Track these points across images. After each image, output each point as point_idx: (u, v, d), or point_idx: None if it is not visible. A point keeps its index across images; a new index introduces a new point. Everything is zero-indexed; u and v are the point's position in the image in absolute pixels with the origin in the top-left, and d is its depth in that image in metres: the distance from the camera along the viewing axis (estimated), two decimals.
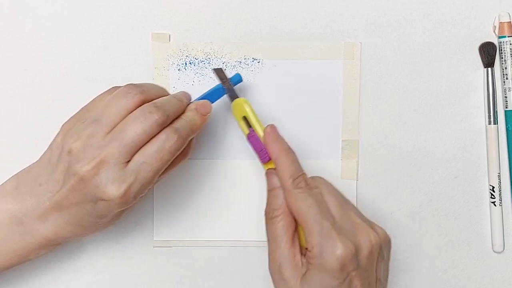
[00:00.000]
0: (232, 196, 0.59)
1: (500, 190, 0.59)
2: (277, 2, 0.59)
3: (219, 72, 0.55)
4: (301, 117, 0.59)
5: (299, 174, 0.50)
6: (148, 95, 0.50)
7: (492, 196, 0.59)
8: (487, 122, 0.59)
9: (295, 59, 0.58)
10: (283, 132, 0.58)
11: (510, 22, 0.58)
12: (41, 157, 0.52)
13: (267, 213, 0.51)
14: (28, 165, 0.53)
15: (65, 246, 0.58)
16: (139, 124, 0.48)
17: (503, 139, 0.59)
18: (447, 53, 0.59)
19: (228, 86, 0.55)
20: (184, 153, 0.52)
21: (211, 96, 0.55)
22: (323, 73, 0.58)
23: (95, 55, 0.59)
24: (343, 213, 0.50)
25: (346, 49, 0.58)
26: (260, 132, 0.53)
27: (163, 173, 0.50)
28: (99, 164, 0.47)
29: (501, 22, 0.58)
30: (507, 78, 0.58)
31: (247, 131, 0.54)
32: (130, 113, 0.49)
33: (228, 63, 0.59)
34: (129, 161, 0.48)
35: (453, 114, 0.59)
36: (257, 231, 0.59)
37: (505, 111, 0.59)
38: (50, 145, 0.52)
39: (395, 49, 0.59)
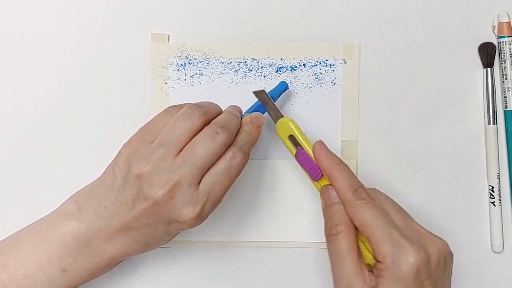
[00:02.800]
0: (231, 196, 0.59)
1: (499, 190, 0.58)
2: (277, 2, 0.59)
3: (260, 94, 0.55)
4: (300, 117, 0.59)
5: (359, 185, 0.51)
6: (209, 115, 0.51)
7: (492, 196, 0.59)
8: (486, 122, 0.59)
9: (294, 59, 0.58)
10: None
11: (510, 22, 0.58)
12: (101, 179, 0.52)
13: (329, 230, 0.51)
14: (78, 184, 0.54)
15: None
16: (208, 145, 0.48)
17: (502, 139, 0.59)
18: (447, 53, 0.59)
19: (271, 107, 0.55)
20: None
21: (259, 110, 0.55)
22: (322, 73, 0.58)
23: (94, 55, 0.59)
24: (406, 223, 0.50)
25: (346, 49, 0.58)
26: (309, 149, 0.53)
27: None
28: (173, 187, 0.47)
29: (500, 22, 0.58)
30: (506, 78, 0.58)
31: (294, 150, 0.54)
32: (195, 135, 0.49)
33: (228, 63, 0.59)
34: (200, 182, 0.48)
35: (452, 114, 0.59)
36: (256, 231, 0.59)
37: (505, 111, 0.59)
38: (110, 167, 0.52)
39: (395, 49, 0.59)
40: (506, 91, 0.58)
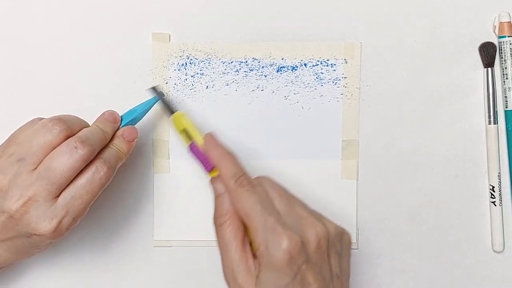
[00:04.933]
0: None
1: (500, 190, 0.59)
2: (277, 2, 0.59)
3: (155, 90, 0.56)
4: (301, 117, 0.59)
5: (241, 173, 0.50)
6: (72, 131, 0.50)
7: (492, 196, 0.59)
8: (487, 122, 0.59)
9: (295, 59, 0.58)
10: (283, 132, 0.59)
11: (510, 22, 0.58)
12: None
13: (215, 220, 0.51)
14: None
15: (64, 246, 0.58)
16: (65, 162, 0.48)
17: (503, 139, 0.59)
18: (447, 53, 0.59)
19: (165, 102, 0.56)
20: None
21: (143, 108, 0.55)
22: (323, 73, 0.58)
23: (95, 55, 0.59)
24: (289, 208, 0.49)
25: (346, 49, 0.58)
26: (200, 142, 0.53)
27: None
28: (27, 202, 0.47)
29: (501, 22, 0.58)
30: (507, 78, 0.58)
31: (188, 142, 0.54)
32: (54, 149, 0.49)
33: (229, 63, 0.59)
34: (59, 195, 0.48)
35: (453, 114, 0.59)
36: None
37: (505, 111, 0.59)
38: None
39: (395, 49, 0.59)
40: (507, 91, 0.58)
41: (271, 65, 0.58)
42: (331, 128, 0.59)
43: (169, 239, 0.59)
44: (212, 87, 0.59)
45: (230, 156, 0.51)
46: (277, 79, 0.59)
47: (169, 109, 0.56)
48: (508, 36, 0.58)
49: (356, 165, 0.59)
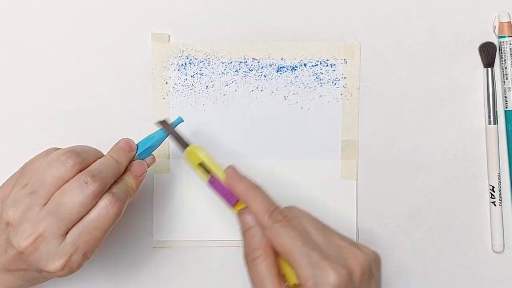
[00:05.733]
0: None
1: (500, 190, 0.59)
2: (277, 2, 0.59)
3: (164, 124, 0.53)
4: (300, 117, 0.59)
5: (274, 207, 0.48)
6: (87, 163, 0.48)
7: (492, 196, 0.59)
8: (487, 122, 0.59)
9: (294, 59, 0.58)
10: (282, 132, 0.59)
11: (510, 22, 0.58)
12: None
13: (247, 256, 0.48)
14: None
15: None
16: (74, 197, 0.46)
17: (503, 139, 0.59)
18: (447, 53, 0.59)
19: (176, 136, 0.53)
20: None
21: (159, 135, 0.53)
22: (323, 73, 0.58)
23: (95, 55, 0.59)
24: (326, 239, 0.48)
25: (346, 49, 0.58)
26: (220, 175, 0.50)
27: None
28: (36, 239, 0.46)
29: (501, 22, 0.58)
30: (507, 78, 0.58)
31: (207, 177, 0.51)
32: (66, 182, 0.47)
33: (228, 63, 0.59)
34: (68, 231, 0.47)
35: (453, 114, 0.59)
36: None
37: (505, 111, 0.59)
38: None
39: (395, 49, 0.59)
40: (507, 91, 0.58)
41: (270, 65, 0.58)
42: (331, 128, 0.59)
43: (169, 239, 0.59)
44: (212, 87, 0.59)
45: (258, 189, 0.49)
46: (277, 79, 0.59)
47: (181, 143, 0.52)
48: (508, 36, 0.58)
49: (356, 165, 0.59)
